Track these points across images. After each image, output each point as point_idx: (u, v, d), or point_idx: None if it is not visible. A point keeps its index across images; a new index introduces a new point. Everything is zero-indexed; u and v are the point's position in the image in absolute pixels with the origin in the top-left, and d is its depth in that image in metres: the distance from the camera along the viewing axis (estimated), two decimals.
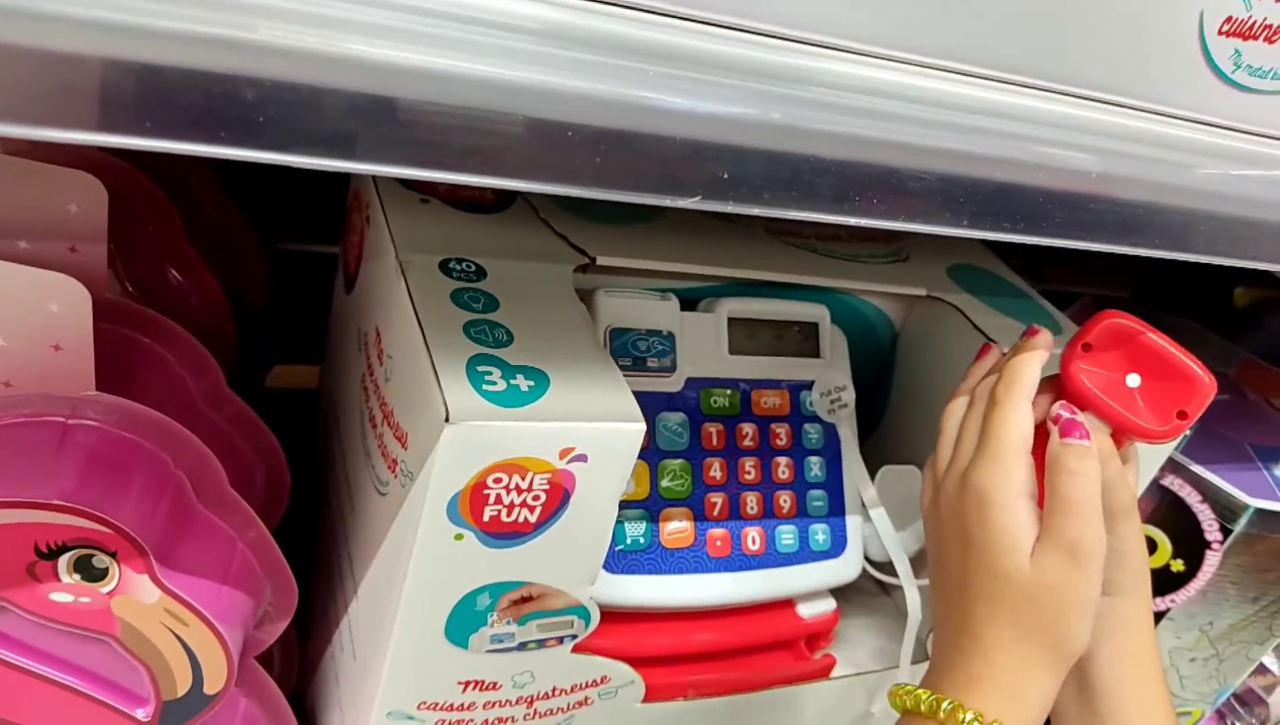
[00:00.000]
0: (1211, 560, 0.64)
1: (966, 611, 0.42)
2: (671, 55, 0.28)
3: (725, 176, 0.29)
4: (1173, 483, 0.64)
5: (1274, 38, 0.37)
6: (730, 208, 0.30)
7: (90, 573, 0.40)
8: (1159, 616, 0.67)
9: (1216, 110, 0.39)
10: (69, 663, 0.44)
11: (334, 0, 0.23)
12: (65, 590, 0.41)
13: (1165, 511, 0.65)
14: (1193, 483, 0.63)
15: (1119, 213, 0.38)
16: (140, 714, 0.45)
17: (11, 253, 0.42)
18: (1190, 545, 0.64)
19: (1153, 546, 0.66)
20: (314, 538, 0.59)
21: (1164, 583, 0.66)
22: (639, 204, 0.55)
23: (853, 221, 0.32)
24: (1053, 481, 0.41)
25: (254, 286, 0.68)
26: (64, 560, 0.40)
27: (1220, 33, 0.36)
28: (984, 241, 0.68)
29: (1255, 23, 0.37)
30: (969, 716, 0.39)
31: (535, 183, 0.27)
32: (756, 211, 0.30)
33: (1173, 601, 0.66)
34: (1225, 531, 0.63)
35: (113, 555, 0.40)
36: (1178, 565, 0.65)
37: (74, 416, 0.41)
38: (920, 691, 0.41)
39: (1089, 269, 0.88)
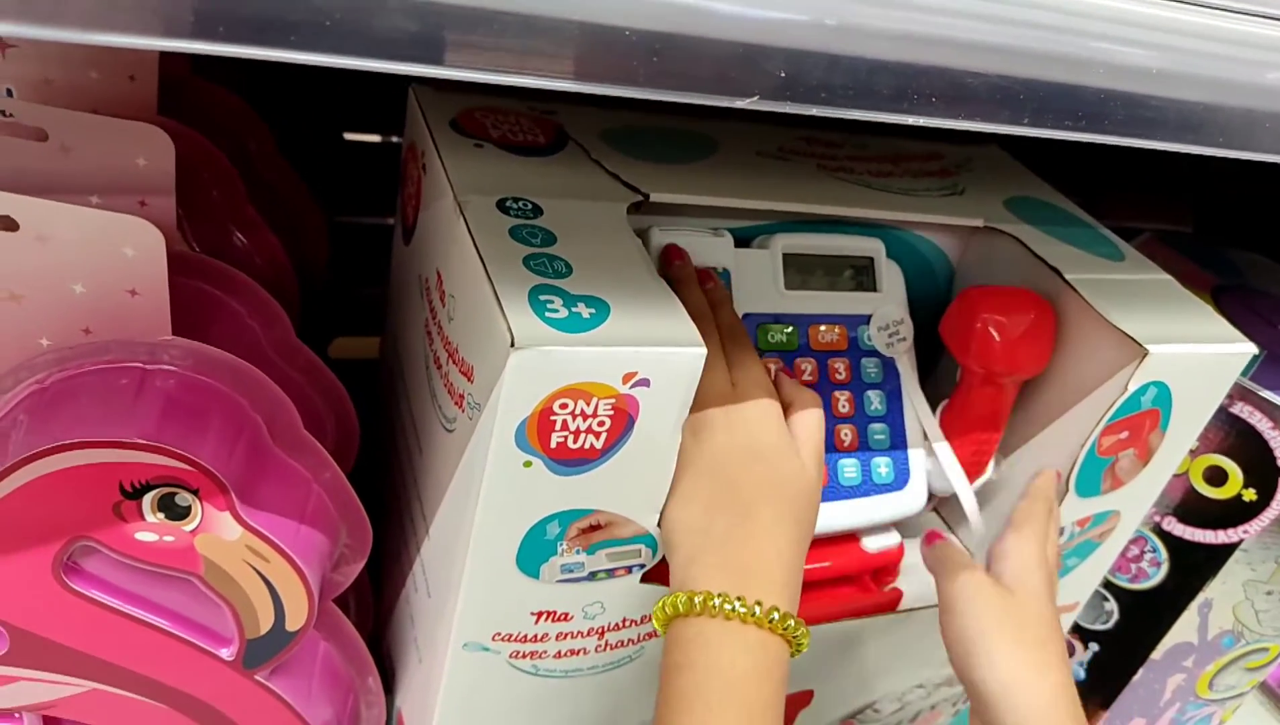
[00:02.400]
0: None
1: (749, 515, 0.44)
2: None
3: (782, 76, 0.29)
4: (1242, 410, 0.63)
5: None
6: (788, 108, 0.30)
7: (174, 511, 0.42)
8: (1232, 548, 0.66)
9: None
10: (155, 603, 0.45)
11: None
12: (150, 529, 0.42)
13: (1235, 439, 0.63)
14: (1263, 409, 0.62)
15: (1180, 110, 0.37)
16: (225, 653, 0.47)
17: (84, 206, 0.44)
18: (1262, 474, 0.63)
19: (1223, 476, 0.65)
20: (383, 495, 0.60)
21: (1236, 513, 0.64)
22: (688, 144, 0.55)
23: (910, 121, 0.32)
24: None
25: (314, 253, 0.70)
26: (148, 499, 0.41)
27: None
28: (1040, 176, 0.67)
29: None
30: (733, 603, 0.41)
31: (594, 85, 0.27)
32: (813, 111, 0.30)
33: (1245, 532, 0.65)
34: None
35: (195, 493, 0.41)
36: (1250, 495, 0.64)
37: (152, 361, 0.43)
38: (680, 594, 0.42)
39: (1149, 204, 0.87)
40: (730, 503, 0.43)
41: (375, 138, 0.92)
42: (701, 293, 0.49)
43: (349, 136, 0.91)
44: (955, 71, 0.32)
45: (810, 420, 0.47)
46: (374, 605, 0.61)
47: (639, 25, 0.28)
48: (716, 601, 0.41)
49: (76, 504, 0.41)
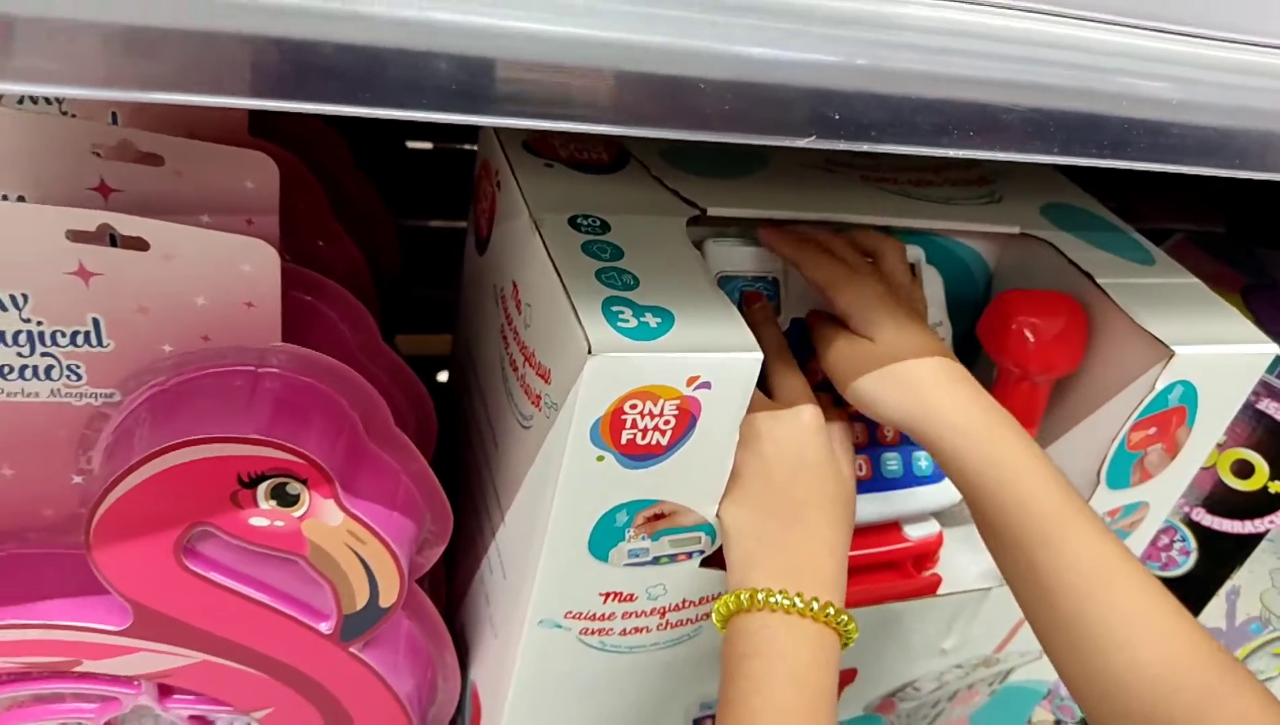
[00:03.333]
0: None
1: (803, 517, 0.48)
2: (787, 11, 0.32)
3: (836, 118, 0.33)
4: (1269, 406, 0.66)
5: None
6: (841, 145, 0.34)
7: (285, 499, 0.46)
8: (1259, 538, 0.69)
9: None
10: (262, 582, 0.50)
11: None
12: (263, 515, 0.47)
13: (1262, 434, 0.67)
14: None
15: (1199, 136, 0.40)
16: (324, 627, 0.51)
17: (196, 225, 0.48)
18: None
19: (1250, 469, 0.68)
20: (455, 482, 0.64)
21: (1263, 504, 0.68)
22: (741, 159, 0.59)
23: (952, 154, 0.36)
24: None
25: (387, 258, 0.75)
26: (262, 488, 0.46)
27: None
28: (1077, 182, 0.70)
29: None
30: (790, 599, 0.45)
31: (674, 130, 0.32)
32: (864, 147, 0.34)
33: (1272, 523, 0.68)
34: None
35: (304, 483, 0.46)
36: (1275, 487, 0.67)
37: (263, 365, 0.47)
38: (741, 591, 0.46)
39: (1182, 206, 0.89)
40: (782, 509, 0.48)
41: (429, 145, 0.97)
42: (780, 332, 0.54)
43: (410, 145, 0.95)
44: (991, 107, 0.36)
45: (842, 432, 0.51)
46: (446, 586, 0.66)
47: (713, 76, 0.32)
48: (778, 597, 0.45)
49: (197, 493, 0.46)
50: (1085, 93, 0.38)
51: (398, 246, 0.75)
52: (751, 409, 0.47)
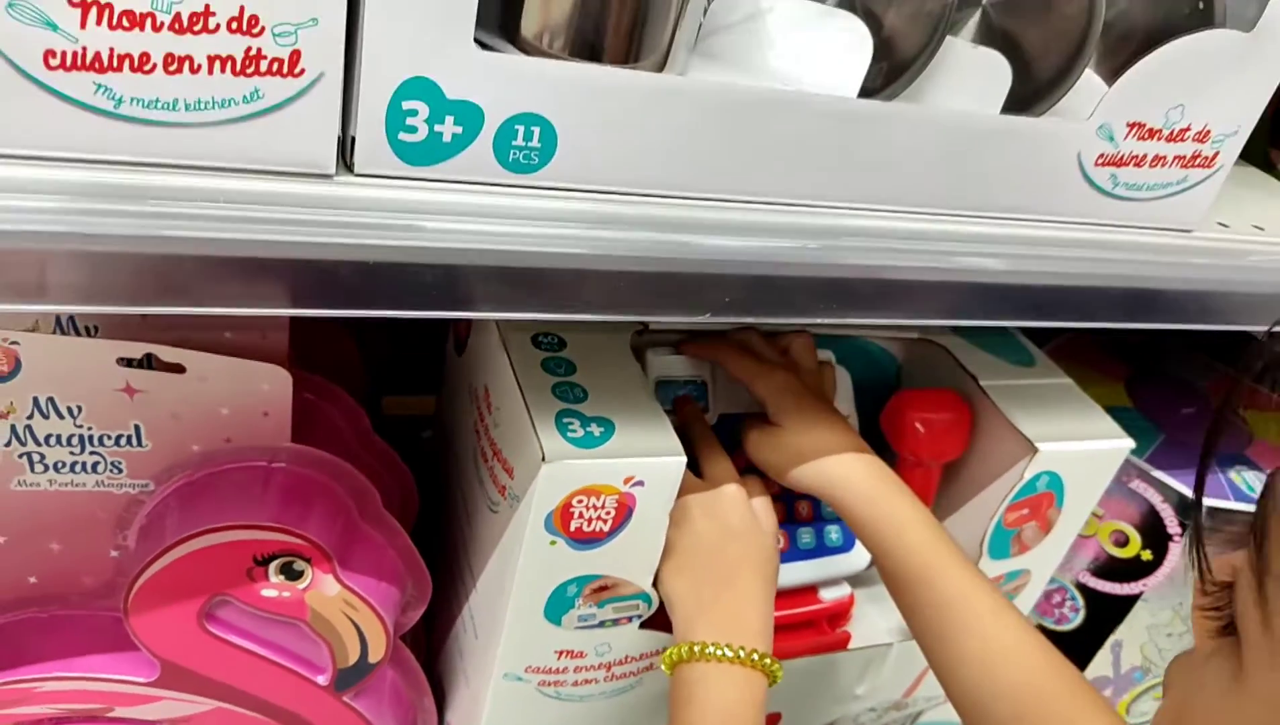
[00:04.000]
0: (1175, 550, 0.76)
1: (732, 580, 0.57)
2: (677, 223, 0.42)
3: (728, 300, 0.43)
4: (1139, 487, 0.76)
5: (1141, 163, 0.50)
6: (731, 321, 0.44)
7: (291, 574, 0.56)
8: (1135, 598, 0.79)
9: (1105, 215, 0.52)
10: (270, 642, 0.59)
11: (496, 224, 0.38)
12: (273, 588, 0.56)
13: (1134, 510, 0.77)
14: (1155, 486, 0.76)
15: (1031, 297, 0.51)
16: (321, 679, 0.61)
17: (219, 340, 0.58)
18: (1156, 538, 0.76)
19: (1126, 539, 0.78)
20: (436, 534, 0.74)
21: (1136, 570, 0.78)
22: None
23: (817, 322, 0.46)
24: None
25: (376, 330, 0.84)
26: (273, 566, 0.55)
27: (1097, 164, 0.50)
28: None
29: (1124, 154, 0.50)
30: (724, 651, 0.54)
31: (600, 315, 0.42)
32: (750, 321, 0.44)
33: (1145, 585, 0.78)
34: (1184, 526, 0.75)
35: (308, 561, 0.55)
36: (1147, 555, 0.77)
37: (274, 462, 0.57)
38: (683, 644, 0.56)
39: None
40: (714, 575, 0.57)
41: None
42: (708, 426, 0.64)
43: None
44: (850, 283, 0.46)
45: (764, 504, 0.61)
46: (426, 639, 0.75)
47: (631, 270, 0.42)
48: (711, 649, 0.54)
49: (219, 570, 0.55)
50: (931, 269, 0.48)
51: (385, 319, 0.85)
52: (684, 491, 0.57)
